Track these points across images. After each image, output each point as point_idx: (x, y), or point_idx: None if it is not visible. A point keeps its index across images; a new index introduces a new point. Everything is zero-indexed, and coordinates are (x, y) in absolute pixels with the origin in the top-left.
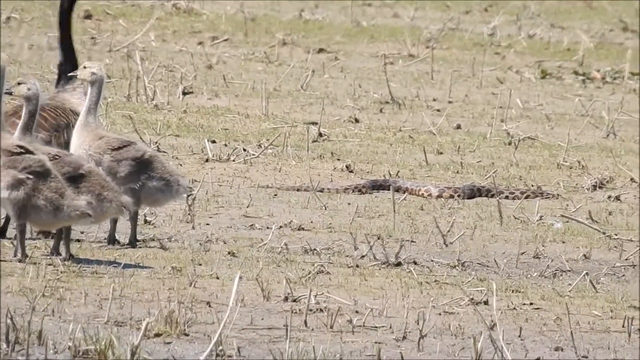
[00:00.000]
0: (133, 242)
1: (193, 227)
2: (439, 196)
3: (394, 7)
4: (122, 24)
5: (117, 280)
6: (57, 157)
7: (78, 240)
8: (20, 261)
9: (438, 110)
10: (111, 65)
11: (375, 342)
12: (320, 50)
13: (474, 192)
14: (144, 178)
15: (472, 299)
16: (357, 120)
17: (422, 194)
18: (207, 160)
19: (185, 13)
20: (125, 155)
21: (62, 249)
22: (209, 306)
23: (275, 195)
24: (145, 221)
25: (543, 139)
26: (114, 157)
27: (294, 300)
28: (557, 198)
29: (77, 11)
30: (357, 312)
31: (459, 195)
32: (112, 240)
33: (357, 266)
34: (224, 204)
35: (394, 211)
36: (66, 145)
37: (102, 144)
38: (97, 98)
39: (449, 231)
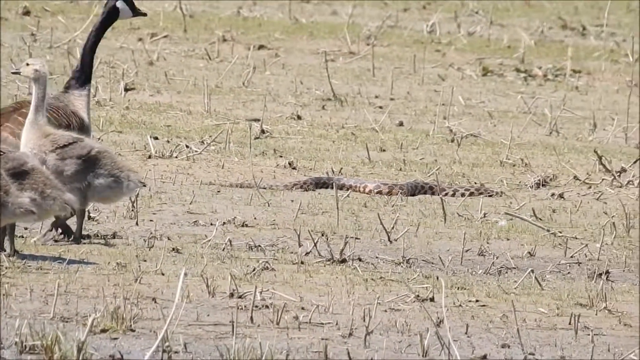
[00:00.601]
0: (78, 239)
1: (137, 224)
2: (379, 192)
3: (332, 5)
4: (62, 21)
5: (62, 276)
6: (0, 153)
7: (22, 237)
8: None
9: (380, 107)
10: (52, 62)
11: (322, 339)
12: (261, 47)
13: (416, 189)
14: (91, 176)
15: (418, 295)
16: (299, 117)
17: (360, 190)
18: (149, 157)
19: None
20: (70, 154)
21: (7, 244)
22: (155, 302)
23: (219, 191)
24: (89, 217)
25: (485, 136)
26: (60, 155)
27: (240, 297)
28: (500, 196)
29: (16, 8)
30: (303, 308)
31: (398, 192)
32: (77, 236)
33: (302, 263)
34: (167, 200)
35: (338, 208)
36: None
37: (47, 142)
38: (42, 95)
39: (393, 228)
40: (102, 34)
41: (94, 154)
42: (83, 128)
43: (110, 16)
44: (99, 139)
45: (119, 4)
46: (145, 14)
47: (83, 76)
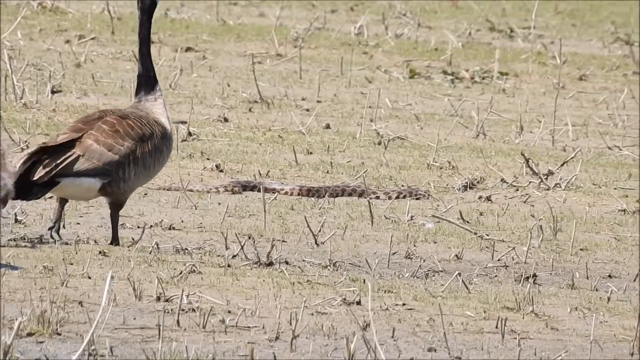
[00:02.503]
0: None
1: (64, 227)
2: (297, 193)
3: (260, 7)
4: None
5: None
6: None
7: None
8: None
9: (307, 110)
10: None
11: (248, 342)
12: (188, 49)
13: (337, 192)
14: None
15: (345, 299)
16: (226, 120)
17: (278, 191)
18: None
19: (51, 12)
20: None
21: None
22: (81, 306)
23: (146, 194)
24: (16, 220)
25: (413, 139)
26: None
27: (166, 300)
28: (427, 198)
29: None
30: (229, 312)
31: (314, 194)
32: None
33: (229, 266)
34: (94, 203)
35: (265, 211)
36: (149, 154)
37: None
38: None
39: (320, 231)
40: (150, 32)
41: None
42: (166, 136)
43: (151, 11)
44: (25, 141)
45: None
46: None
47: (150, 80)
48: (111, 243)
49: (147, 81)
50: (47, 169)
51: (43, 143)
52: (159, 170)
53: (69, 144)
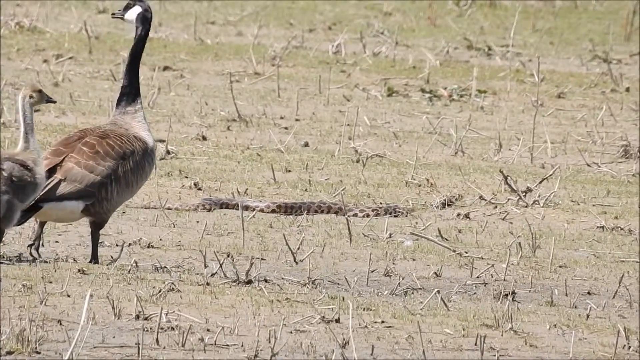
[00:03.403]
0: None
1: (42, 245)
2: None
3: (238, 26)
4: None
5: None
6: None
7: None
8: None
9: (285, 128)
10: None
11: None
12: (166, 68)
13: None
14: None
15: (324, 317)
16: (204, 138)
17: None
18: None
19: (29, 31)
20: None
21: None
22: (60, 324)
23: (124, 212)
24: None
25: (391, 156)
26: None
27: (145, 319)
28: (406, 216)
29: None
30: (208, 330)
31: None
32: None
33: (208, 284)
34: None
35: (243, 229)
36: (131, 172)
37: None
38: None
39: (298, 249)
40: (143, 46)
41: None
42: (147, 151)
43: (148, 27)
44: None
45: (144, 9)
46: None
47: (133, 91)
48: (90, 261)
49: (129, 92)
50: None
51: None
52: (142, 186)
53: (51, 170)
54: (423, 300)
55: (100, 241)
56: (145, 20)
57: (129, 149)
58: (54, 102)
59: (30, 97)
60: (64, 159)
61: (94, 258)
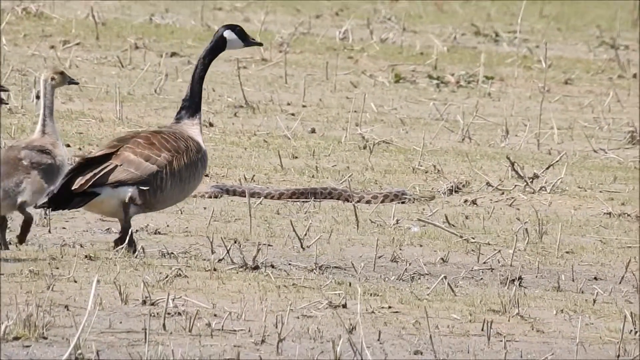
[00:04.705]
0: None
1: (49, 231)
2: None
3: (245, 12)
4: None
5: None
6: None
7: None
8: None
9: (292, 114)
10: None
11: (234, 346)
12: (173, 54)
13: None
14: None
15: (331, 302)
16: (211, 125)
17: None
18: None
19: (35, 17)
20: None
21: None
22: (67, 309)
23: None
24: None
25: (398, 143)
26: None
27: (152, 304)
28: (413, 202)
29: None
30: (215, 315)
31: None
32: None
33: (215, 270)
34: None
35: (250, 215)
36: (185, 167)
37: None
38: None
39: (305, 235)
40: (209, 62)
41: None
42: (200, 151)
43: (217, 45)
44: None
45: (227, 34)
46: (260, 44)
47: (193, 105)
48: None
49: (190, 106)
50: (86, 178)
51: (82, 157)
52: (194, 187)
53: (107, 157)
54: (430, 286)
55: (106, 228)
56: (220, 38)
57: (183, 145)
58: (77, 83)
59: (52, 79)
60: (119, 148)
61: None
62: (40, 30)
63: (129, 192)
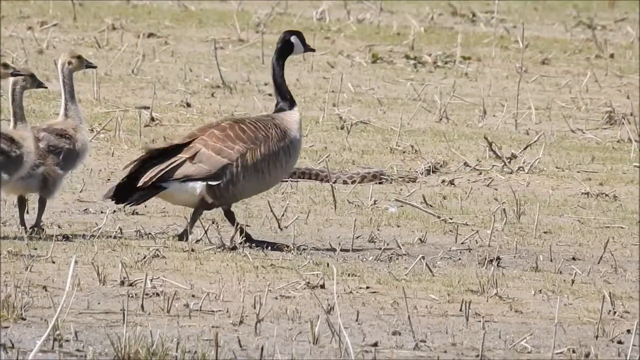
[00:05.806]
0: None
1: (27, 212)
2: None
3: None
4: None
5: None
6: None
7: None
8: None
9: (270, 95)
10: None
11: (213, 327)
12: (150, 35)
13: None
14: None
15: (309, 282)
16: (188, 105)
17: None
18: None
19: None
20: None
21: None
22: (45, 290)
23: (109, 179)
24: None
25: (375, 123)
26: None
27: (130, 285)
28: (390, 182)
29: None
30: (193, 296)
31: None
32: None
33: (193, 250)
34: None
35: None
36: (263, 158)
37: None
38: None
39: (283, 215)
40: (283, 63)
41: None
42: (285, 140)
43: (285, 47)
44: None
45: (293, 39)
46: (313, 50)
47: (288, 101)
48: (240, 243)
49: (287, 99)
50: (151, 175)
51: (147, 150)
52: (278, 177)
53: (179, 147)
54: (408, 266)
55: (84, 208)
56: (286, 42)
57: (262, 134)
58: (95, 67)
59: (69, 63)
60: (192, 140)
61: (251, 241)
62: (17, 11)
63: (197, 188)
